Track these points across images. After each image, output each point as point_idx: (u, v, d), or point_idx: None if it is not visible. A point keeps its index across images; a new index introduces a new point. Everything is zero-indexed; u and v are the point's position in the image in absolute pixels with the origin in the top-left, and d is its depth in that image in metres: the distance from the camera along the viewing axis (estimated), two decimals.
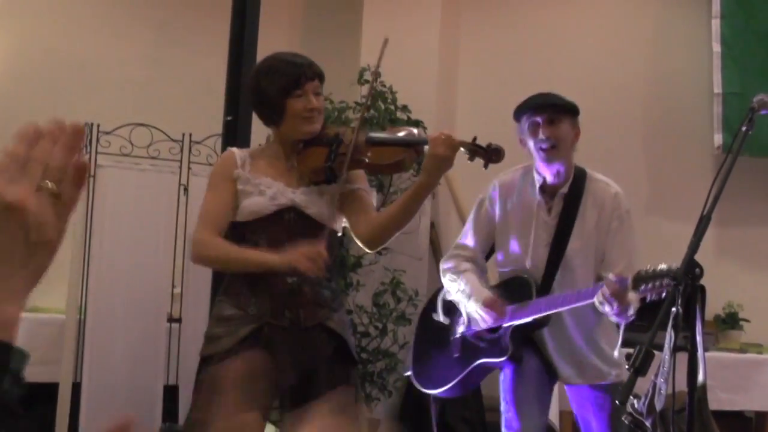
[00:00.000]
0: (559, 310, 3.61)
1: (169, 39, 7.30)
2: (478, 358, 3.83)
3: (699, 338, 2.75)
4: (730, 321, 6.18)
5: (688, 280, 2.63)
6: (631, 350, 2.58)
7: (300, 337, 3.11)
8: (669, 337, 2.58)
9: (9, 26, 6.98)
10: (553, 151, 3.72)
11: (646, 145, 7.03)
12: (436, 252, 6.87)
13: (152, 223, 5.94)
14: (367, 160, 3.15)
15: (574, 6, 7.30)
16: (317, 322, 3.15)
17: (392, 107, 6.45)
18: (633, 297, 3.40)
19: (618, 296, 3.34)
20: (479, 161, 3.15)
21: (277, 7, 7.09)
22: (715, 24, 6.77)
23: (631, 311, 3.45)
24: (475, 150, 3.10)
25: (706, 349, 5.74)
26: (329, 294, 3.20)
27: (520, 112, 3.82)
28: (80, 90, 6.93)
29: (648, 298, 3.19)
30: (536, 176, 3.81)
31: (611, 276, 3.38)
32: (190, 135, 6.09)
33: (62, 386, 5.66)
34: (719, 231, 5.76)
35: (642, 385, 2.69)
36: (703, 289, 4.14)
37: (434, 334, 4.09)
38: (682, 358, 2.75)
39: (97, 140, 5.88)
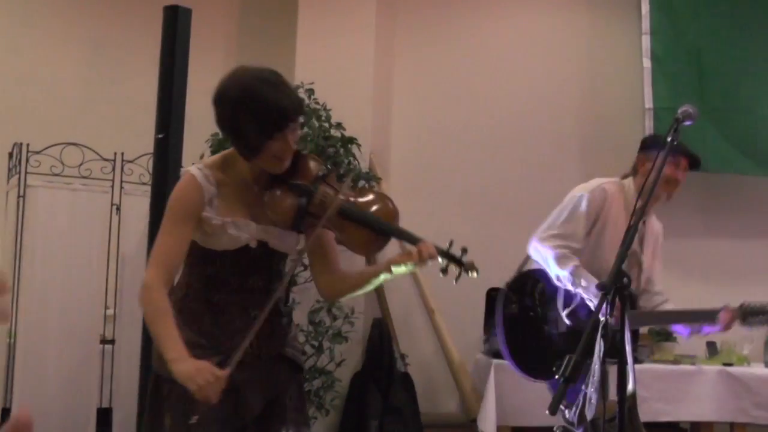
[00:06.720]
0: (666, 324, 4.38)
1: (101, 58, 7.22)
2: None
3: (628, 347, 2.76)
4: (664, 333, 6.23)
5: (615, 289, 2.64)
6: None
7: (260, 369, 3.03)
8: (598, 346, 2.59)
9: None
10: None
11: (581, 157, 7.12)
12: None
13: (84, 244, 5.85)
14: (336, 236, 3.01)
15: (507, 23, 7.37)
16: (276, 352, 3.08)
17: (326, 124, 6.43)
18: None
19: (730, 325, 4.05)
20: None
21: (209, 25, 7.06)
22: (645, 40, 6.89)
23: None
24: (450, 260, 2.89)
25: (641, 361, 5.80)
26: (286, 321, 3.13)
27: (672, 149, 3.42)
28: (10, 109, 6.83)
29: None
30: (633, 198, 4.20)
31: (729, 307, 4.05)
32: (122, 154, 6.02)
33: None
34: None
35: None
36: (634, 298, 4.22)
37: (528, 328, 4.26)
38: (615, 369, 2.76)
39: (27, 160, 5.79)
